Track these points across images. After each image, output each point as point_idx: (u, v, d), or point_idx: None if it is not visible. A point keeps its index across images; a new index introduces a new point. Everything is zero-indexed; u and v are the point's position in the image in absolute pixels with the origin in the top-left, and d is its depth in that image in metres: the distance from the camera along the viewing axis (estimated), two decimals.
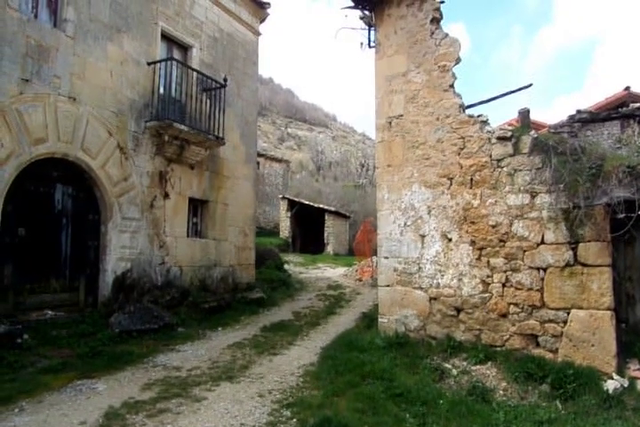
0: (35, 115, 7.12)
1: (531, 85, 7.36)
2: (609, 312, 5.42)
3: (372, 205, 10.03)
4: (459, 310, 6.46)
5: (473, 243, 6.42)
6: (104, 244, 8.32)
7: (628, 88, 10.88)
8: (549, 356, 5.66)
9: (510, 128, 6.75)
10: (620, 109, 8.75)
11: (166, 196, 9.58)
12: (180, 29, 10.17)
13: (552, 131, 7.57)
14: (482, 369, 5.72)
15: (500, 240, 6.20)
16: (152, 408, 4.65)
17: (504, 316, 6.07)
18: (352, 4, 7.83)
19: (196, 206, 10.77)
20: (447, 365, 5.93)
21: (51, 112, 7.36)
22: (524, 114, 6.85)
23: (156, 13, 9.54)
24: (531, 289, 5.90)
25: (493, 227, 6.26)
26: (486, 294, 6.24)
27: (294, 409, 4.69)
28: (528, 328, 5.88)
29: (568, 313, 5.63)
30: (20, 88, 6.95)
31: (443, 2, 7.17)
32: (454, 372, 5.74)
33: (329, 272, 18.90)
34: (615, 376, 5.19)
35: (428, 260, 6.80)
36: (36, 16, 7.44)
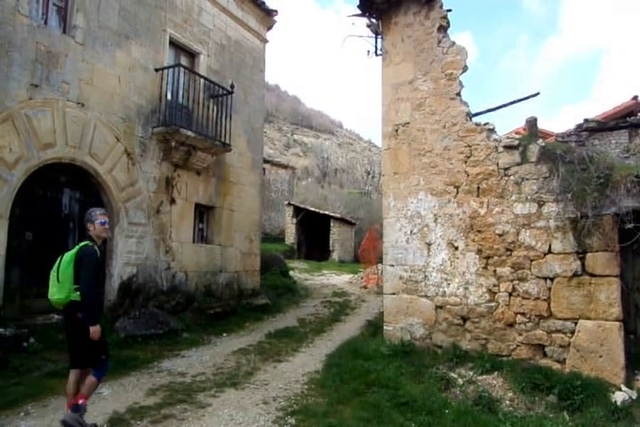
0: (43, 120, 7.17)
1: (538, 94, 7.36)
2: (617, 323, 5.38)
3: (378, 213, 10.02)
4: (465, 319, 6.42)
5: (479, 251, 6.40)
6: (110, 249, 8.33)
7: (636, 97, 10.85)
8: (557, 366, 5.62)
9: (517, 137, 6.75)
10: (627, 119, 8.73)
11: (172, 201, 9.61)
12: (187, 36, 10.24)
13: (559, 140, 7.55)
14: (488, 379, 5.67)
15: (507, 249, 6.17)
16: (156, 414, 4.64)
17: (511, 325, 6.03)
18: (359, 12, 7.85)
19: (202, 212, 10.79)
20: (453, 374, 5.88)
21: (59, 117, 7.41)
22: (532, 122, 6.83)
23: (165, 20, 9.62)
24: (538, 299, 5.87)
25: (500, 236, 6.23)
26: (493, 304, 6.20)
27: (299, 417, 4.66)
28: (535, 338, 5.83)
29: (575, 323, 5.59)
30: (30, 93, 7.01)
31: (450, 10, 7.19)
32: (460, 381, 5.70)
33: (334, 279, 18.85)
34: (623, 388, 5.14)
35: (434, 268, 6.77)
36: (45, 22, 7.51)
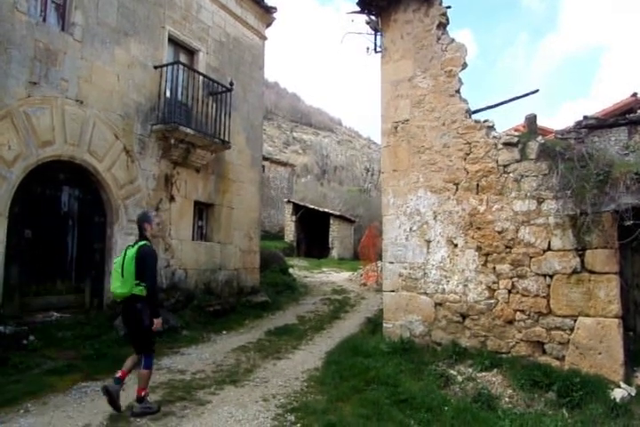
0: (42, 117, 7.16)
1: (537, 91, 7.34)
2: (616, 320, 5.38)
3: (377, 210, 10.03)
4: (464, 316, 6.43)
5: (479, 249, 6.40)
6: (110, 246, 8.33)
7: (635, 94, 10.81)
8: (556, 363, 5.62)
9: (517, 134, 6.74)
10: (627, 115, 8.69)
11: (172, 199, 9.61)
12: (186, 33, 10.22)
13: (559, 137, 7.53)
14: (487, 376, 5.67)
15: (507, 246, 6.17)
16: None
17: (510, 322, 6.04)
18: (358, 9, 7.83)
19: (202, 210, 10.79)
20: (452, 371, 5.89)
21: (58, 115, 7.40)
22: (531, 119, 6.83)
23: (164, 17, 9.59)
24: (537, 296, 5.87)
25: (499, 233, 6.23)
26: (492, 301, 6.21)
27: (298, 414, 4.67)
28: (534, 335, 5.84)
29: (575, 320, 5.59)
30: (28, 91, 6.99)
31: (449, 7, 7.17)
32: (459, 378, 5.71)
33: (333, 276, 18.87)
34: (622, 385, 5.15)
35: (433, 265, 6.78)
36: (44, 20, 7.49)
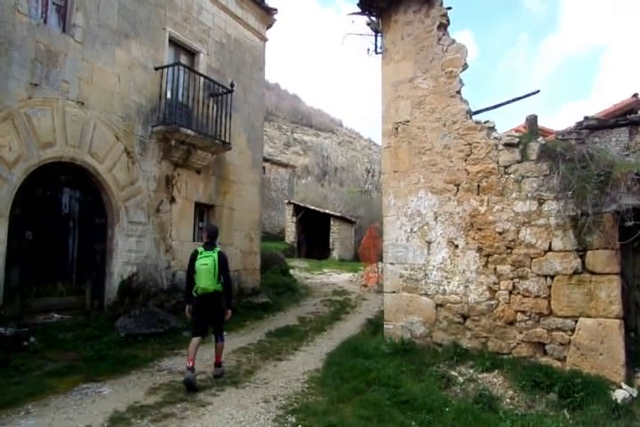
0: (43, 119, 7.17)
1: (538, 92, 7.35)
2: (617, 321, 5.37)
3: (378, 211, 10.03)
4: (465, 317, 6.42)
5: (480, 250, 6.39)
6: (110, 248, 8.33)
7: (636, 95, 10.79)
8: (557, 364, 5.62)
9: (517, 134, 6.73)
10: (628, 116, 8.68)
11: (173, 200, 9.60)
12: (187, 35, 10.23)
13: (559, 137, 7.52)
14: (488, 377, 5.67)
15: (507, 247, 6.17)
16: (157, 413, 4.64)
17: (511, 323, 6.03)
18: (359, 11, 7.84)
19: (202, 211, 10.78)
20: (453, 372, 5.89)
21: (59, 116, 7.40)
22: (532, 120, 6.82)
23: (164, 19, 9.60)
24: (538, 297, 5.86)
25: (500, 234, 6.23)
26: (493, 302, 6.20)
27: (299, 415, 4.66)
28: (535, 336, 5.83)
29: (576, 321, 5.58)
30: (29, 92, 7.00)
31: (450, 8, 7.18)
32: (460, 379, 5.70)
33: (334, 278, 18.86)
34: (624, 386, 5.14)
35: (434, 266, 6.77)
36: (45, 21, 7.50)
